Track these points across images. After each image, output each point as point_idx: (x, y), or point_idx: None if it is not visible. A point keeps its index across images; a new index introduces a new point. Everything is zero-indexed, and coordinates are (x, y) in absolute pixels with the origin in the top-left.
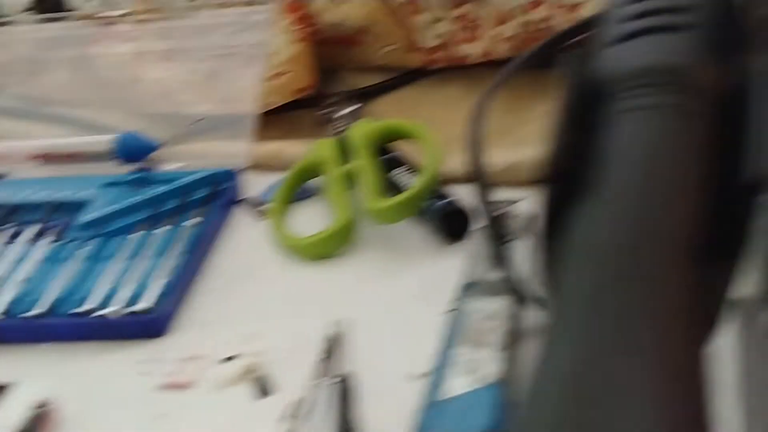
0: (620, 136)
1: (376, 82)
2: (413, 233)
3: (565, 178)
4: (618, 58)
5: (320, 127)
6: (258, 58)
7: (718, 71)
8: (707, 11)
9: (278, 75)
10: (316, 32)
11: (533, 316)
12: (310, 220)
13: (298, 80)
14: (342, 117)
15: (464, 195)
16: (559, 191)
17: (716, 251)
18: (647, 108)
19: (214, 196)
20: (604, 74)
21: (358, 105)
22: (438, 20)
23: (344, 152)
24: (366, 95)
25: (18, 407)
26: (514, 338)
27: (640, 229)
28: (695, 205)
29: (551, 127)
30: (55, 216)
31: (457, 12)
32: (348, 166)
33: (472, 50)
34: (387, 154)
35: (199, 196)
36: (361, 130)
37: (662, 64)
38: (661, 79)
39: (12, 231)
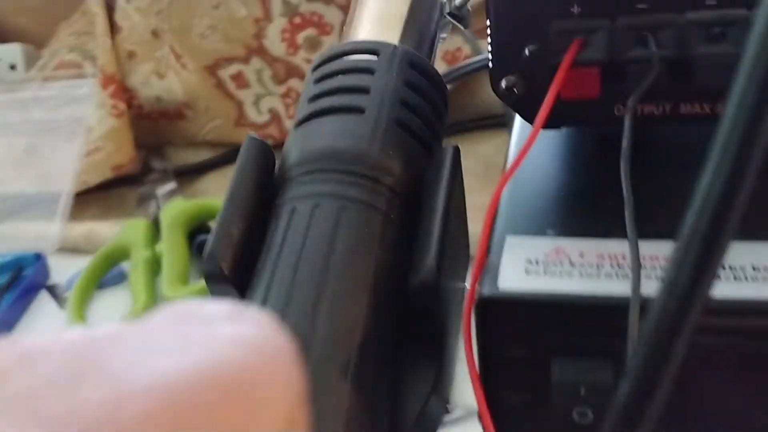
0: (286, 227)
1: (202, 158)
2: None
3: (229, 274)
4: (296, 141)
5: (140, 206)
6: (78, 133)
7: (405, 159)
8: (397, 92)
9: (95, 151)
10: (137, 106)
11: None
12: (112, 306)
13: (116, 156)
14: (162, 195)
15: None
16: (223, 289)
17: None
18: (321, 196)
19: (17, 281)
20: (284, 158)
21: (177, 183)
22: (265, 95)
23: (155, 234)
24: (190, 172)
25: None
26: None
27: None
28: (369, 309)
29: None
30: None
31: (283, 87)
32: (155, 249)
33: None
34: (201, 235)
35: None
36: (172, 211)
37: (341, 149)
38: (338, 166)
39: None
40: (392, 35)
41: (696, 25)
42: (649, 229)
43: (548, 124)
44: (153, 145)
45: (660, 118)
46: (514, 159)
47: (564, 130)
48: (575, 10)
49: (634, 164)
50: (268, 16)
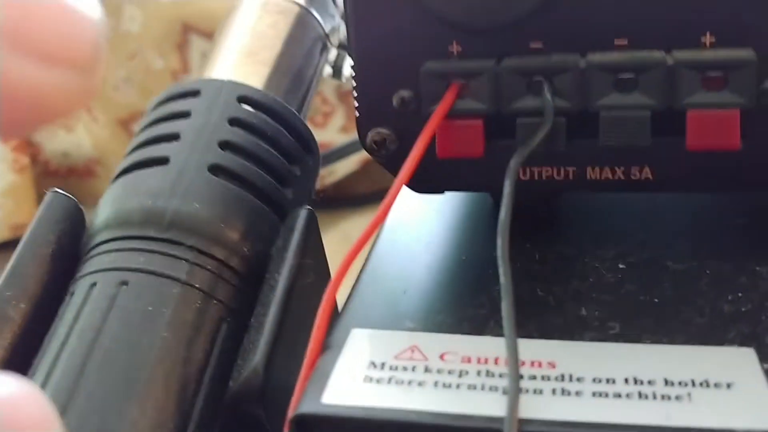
0: (65, 310)
1: None
2: None
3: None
4: (102, 202)
5: None
6: None
7: (230, 213)
8: (215, 133)
9: None
10: (42, 162)
11: None
12: None
13: (16, 215)
14: None
15: None
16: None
17: None
18: (99, 272)
19: None
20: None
21: None
22: None
23: None
24: None
25: None
26: None
27: None
28: (154, 412)
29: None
30: None
31: None
32: None
33: None
34: None
35: None
36: None
37: (129, 210)
38: (126, 231)
39: None
40: (251, 73)
41: (601, 69)
42: (538, 325)
43: (425, 188)
44: None
45: (563, 185)
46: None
47: (449, 194)
48: (454, 49)
49: (532, 240)
50: (186, 68)
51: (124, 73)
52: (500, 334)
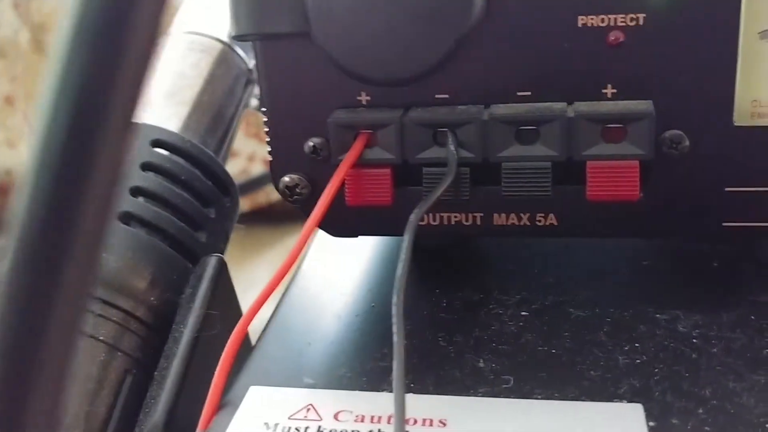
0: None
1: None
2: None
3: None
4: None
5: None
6: None
7: (137, 262)
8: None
9: None
10: None
11: None
12: None
13: None
14: None
15: None
16: None
17: None
18: None
19: None
20: None
21: None
22: None
23: None
24: None
25: None
26: None
27: None
28: None
29: None
30: None
31: None
32: None
33: None
34: None
35: None
36: None
37: None
38: None
39: None
40: (170, 115)
41: (503, 121)
42: (436, 378)
43: (339, 232)
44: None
45: (471, 230)
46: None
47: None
48: (363, 98)
49: (442, 285)
50: None
51: None
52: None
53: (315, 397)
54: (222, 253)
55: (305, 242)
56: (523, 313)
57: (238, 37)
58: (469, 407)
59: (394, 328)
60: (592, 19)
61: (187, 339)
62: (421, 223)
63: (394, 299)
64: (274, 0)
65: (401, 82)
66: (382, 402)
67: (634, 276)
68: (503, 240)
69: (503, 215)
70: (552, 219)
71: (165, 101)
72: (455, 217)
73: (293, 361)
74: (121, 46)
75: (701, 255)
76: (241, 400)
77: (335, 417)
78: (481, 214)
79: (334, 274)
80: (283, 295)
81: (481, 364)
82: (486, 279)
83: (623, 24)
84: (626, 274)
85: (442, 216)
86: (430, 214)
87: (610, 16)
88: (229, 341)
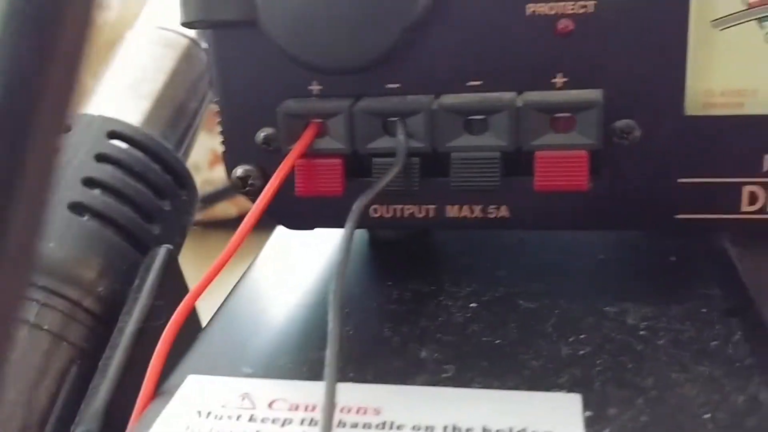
0: None
1: None
2: None
3: None
4: None
5: None
6: None
7: (88, 252)
8: (79, 170)
9: None
10: None
11: None
12: None
13: None
14: None
15: None
16: None
17: None
18: None
19: None
20: None
21: None
22: None
23: None
24: None
25: None
26: None
27: None
28: None
29: None
30: None
31: None
32: None
33: None
34: None
35: None
36: None
37: None
38: None
39: None
40: (130, 108)
41: (452, 111)
42: (377, 368)
43: (294, 225)
44: None
45: (424, 222)
46: (216, 267)
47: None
48: (314, 88)
49: (394, 277)
50: None
51: None
52: (338, 379)
53: (251, 386)
54: (179, 246)
55: (248, 229)
56: (472, 305)
57: (187, 24)
58: (406, 396)
59: (330, 315)
60: (541, 6)
61: (131, 329)
62: (374, 215)
63: (332, 287)
64: None
65: (350, 71)
66: (318, 391)
67: (589, 269)
68: (460, 233)
69: (456, 207)
70: (504, 211)
71: (127, 94)
72: (408, 209)
73: (235, 351)
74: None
75: (658, 248)
76: (176, 389)
77: (269, 405)
78: (434, 206)
79: (288, 267)
80: (234, 286)
81: (424, 354)
82: (439, 271)
83: (572, 12)
84: (581, 267)
85: (396, 208)
86: (384, 207)
87: (559, 3)
88: (165, 332)
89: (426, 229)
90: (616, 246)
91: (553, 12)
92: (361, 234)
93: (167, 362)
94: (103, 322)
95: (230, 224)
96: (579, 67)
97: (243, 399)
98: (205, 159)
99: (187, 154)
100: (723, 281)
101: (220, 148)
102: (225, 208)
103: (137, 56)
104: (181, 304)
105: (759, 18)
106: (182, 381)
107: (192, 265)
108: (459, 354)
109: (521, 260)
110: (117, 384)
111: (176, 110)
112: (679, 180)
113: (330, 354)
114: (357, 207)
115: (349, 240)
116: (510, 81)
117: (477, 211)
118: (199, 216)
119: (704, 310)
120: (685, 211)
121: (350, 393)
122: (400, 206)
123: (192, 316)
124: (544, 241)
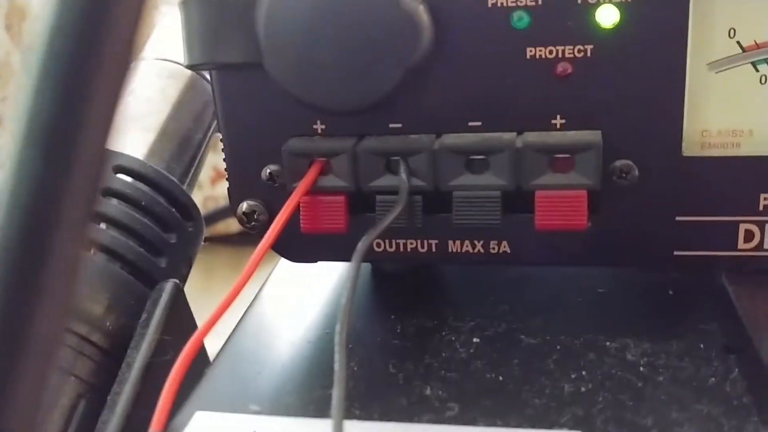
0: None
1: None
2: None
3: None
4: None
5: None
6: None
7: (106, 298)
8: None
9: None
10: None
11: None
12: None
13: None
14: None
15: None
16: None
17: None
18: None
19: None
20: None
21: None
22: None
23: None
24: None
25: None
26: None
27: None
28: None
29: None
30: None
31: None
32: None
33: None
34: None
35: None
36: None
37: None
38: None
39: None
40: (135, 140)
41: (453, 151)
42: (382, 405)
43: (298, 258)
44: None
45: (427, 257)
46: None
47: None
48: (318, 127)
49: (398, 311)
50: None
51: None
52: (344, 417)
53: (259, 424)
54: (185, 277)
55: (256, 265)
56: (475, 340)
57: (191, 67)
58: None
59: (336, 357)
60: (540, 50)
61: (139, 364)
62: (377, 249)
63: (337, 328)
64: (227, 30)
65: (353, 111)
66: (325, 429)
67: (589, 304)
68: (462, 267)
69: (457, 243)
70: (505, 247)
71: (131, 127)
72: (411, 244)
73: (242, 388)
74: (92, 73)
75: (657, 283)
76: (184, 426)
77: None
78: (436, 242)
79: (292, 301)
80: (239, 320)
81: (428, 392)
82: (441, 305)
83: (571, 55)
84: (581, 302)
85: (398, 243)
86: (387, 241)
87: (558, 47)
88: (174, 369)
89: (425, 264)
90: (615, 280)
91: (552, 55)
92: (364, 266)
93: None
94: (111, 357)
95: (231, 240)
96: (578, 108)
97: None
98: (207, 176)
99: (193, 183)
100: (721, 317)
101: (223, 165)
102: (226, 224)
103: (141, 88)
104: (189, 342)
105: (753, 61)
106: (190, 418)
107: (195, 280)
108: (463, 391)
109: (523, 294)
110: (126, 419)
111: (181, 142)
112: (677, 218)
113: (336, 395)
114: (362, 246)
115: (354, 279)
116: (510, 122)
117: (479, 246)
118: None
119: (702, 345)
120: (683, 249)
121: (357, 431)
122: (403, 241)
123: (200, 350)
124: (546, 274)
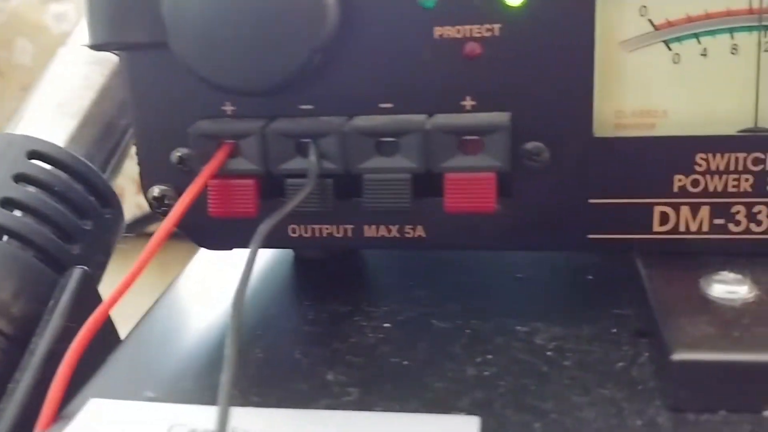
0: None
1: None
2: None
3: None
4: None
5: None
6: None
7: (13, 284)
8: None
9: None
10: None
11: None
12: None
13: None
14: None
15: None
16: None
17: None
18: None
19: None
20: None
21: None
22: None
23: None
24: None
25: None
26: None
27: None
28: None
29: None
30: None
31: None
32: None
33: None
34: None
35: None
36: None
37: None
38: None
39: None
40: (56, 126)
41: (363, 133)
42: (282, 392)
43: (211, 245)
44: None
45: (343, 241)
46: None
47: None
48: (228, 108)
49: (312, 297)
50: None
51: (17, 104)
52: (240, 403)
53: (152, 411)
54: (103, 264)
55: (157, 247)
56: (386, 325)
57: (95, 47)
58: (304, 420)
59: (227, 341)
60: (448, 30)
61: (41, 351)
62: (293, 235)
63: (232, 312)
64: (130, 9)
65: (259, 92)
66: (214, 416)
67: (506, 288)
68: (382, 252)
69: (373, 227)
70: (420, 231)
71: (53, 113)
72: (326, 229)
73: (141, 374)
74: None
75: (578, 268)
76: (75, 413)
77: (168, 431)
78: (352, 227)
79: (207, 287)
80: (149, 309)
81: (330, 377)
82: (359, 291)
83: (479, 35)
84: (498, 287)
85: (314, 228)
86: (302, 226)
87: (465, 27)
88: (67, 354)
89: (350, 249)
90: (536, 265)
91: (460, 35)
92: (286, 253)
93: (80, 383)
94: (18, 344)
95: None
96: (487, 90)
97: (142, 424)
98: (132, 183)
99: (117, 170)
100: (636, 301)
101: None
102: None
103: (65, 74)
104: (84, 326)
105: (666, 40)
106: (82, 405)
107: (150, 275)
108: (365, 376)
109: (443, 279)
110: (24, 408)
111: (104, 128)
112: (590, 201)
113: (225, 380)
114: (263, 229)
115: (251, 263)
116: (420, 103)
117: (394, 231)
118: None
119: (615, 330)
120: (596, 232)
121: (247, 417)
122: (318, 226)
123: (111, 336)
124: (471, 260)
